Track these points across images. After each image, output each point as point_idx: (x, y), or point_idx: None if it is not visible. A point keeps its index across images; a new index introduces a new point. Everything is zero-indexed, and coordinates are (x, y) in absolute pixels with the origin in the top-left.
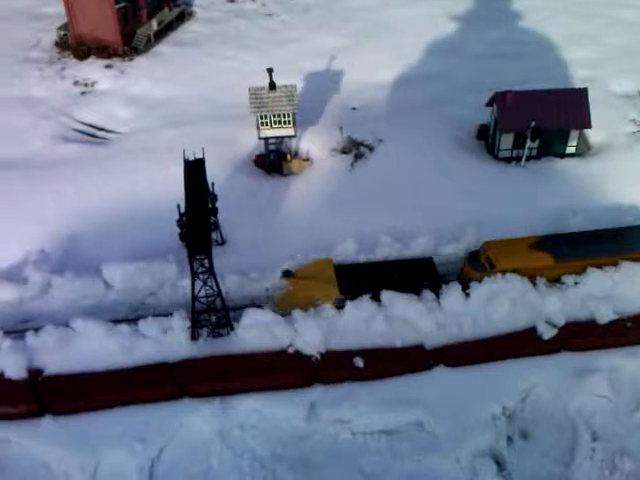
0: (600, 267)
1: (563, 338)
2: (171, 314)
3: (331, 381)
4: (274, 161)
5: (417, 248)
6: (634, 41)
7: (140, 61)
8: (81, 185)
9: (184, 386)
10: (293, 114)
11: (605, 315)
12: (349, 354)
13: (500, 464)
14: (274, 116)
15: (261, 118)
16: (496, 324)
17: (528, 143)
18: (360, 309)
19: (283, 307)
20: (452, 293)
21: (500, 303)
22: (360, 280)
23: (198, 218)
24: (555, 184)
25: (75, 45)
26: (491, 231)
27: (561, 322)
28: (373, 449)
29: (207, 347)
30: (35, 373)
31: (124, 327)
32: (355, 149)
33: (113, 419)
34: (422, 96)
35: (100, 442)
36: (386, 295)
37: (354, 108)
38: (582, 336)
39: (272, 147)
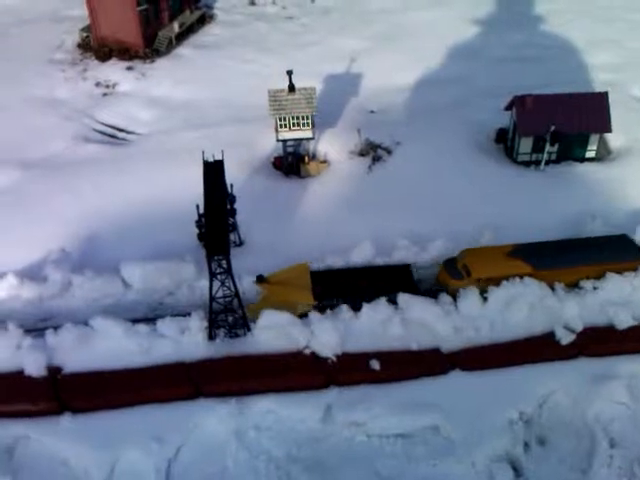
0: (580, 277)
1: (581, 344)
2: (189, 314)
3: (347, 383)
4: (292, 163)
5: (434, 251)
6: None
7: (161, 63)
8: (101, 185)
9: (201, 386)
10: (312, 116)
11: (624, 321)
12: (365, 356)
13: (517, 470)
14: (293, 118)
15: (280, 120)
16: (514, 329)
17: (547, 147)
18: (377, 312)
19: (256, 313)
20: (469, 297)
21: (518, 307)
22: (335, 286)
23: (217, 219)
24: (574, 188)
25: (97, 47)
26: (509, 235)
27: (579, 327)
28: (388, 452)
29: (224, 347)
30: (54, 371)
31: (142, 327)
32: (373, 152)
33: (131, 418)
34: (441, 99)
35: (118, 440)
36: (403, 298)
37: (372, 111)
38: (601, 342)
39: (290, 149)
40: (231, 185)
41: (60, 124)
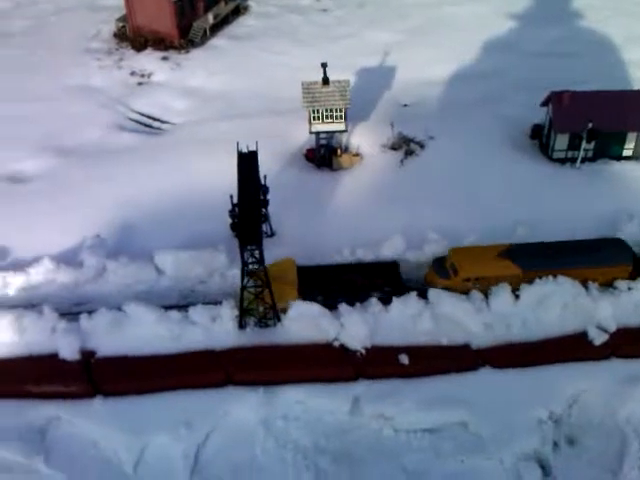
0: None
1: (614, 344)
2: (220, 302)
3: (375, 376)
4: (324, 155)
5: None
6: None
7: (196, 54)
8: (136, 174)
9: (230, 374)
10: (345, 109)
11: None
12: (394, 350)
13: (545, 469)
14: (326, 111)
15: (313, 112)
16: (546, 327)
17: (584, 144)
18: (407, 306)
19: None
20: (501, 294)
21: (551, 306)
22: (321, 283)
23: (250, 209)
24: (610, 187)
25: (133, 37)
26: (543, 232)
27: (612, 328)
28: (416, 447)
29: (254, 337)
30: (88, 354)
31: (174, 313)
32: (405, 145)
33: (161, 403)
34: (475, 94)
35: (148, 425)
36: (434, 293)
37: (406, 105)
38: (634, 343)
39: (323, 142)
40: (264, 176)
41: (96, 112)
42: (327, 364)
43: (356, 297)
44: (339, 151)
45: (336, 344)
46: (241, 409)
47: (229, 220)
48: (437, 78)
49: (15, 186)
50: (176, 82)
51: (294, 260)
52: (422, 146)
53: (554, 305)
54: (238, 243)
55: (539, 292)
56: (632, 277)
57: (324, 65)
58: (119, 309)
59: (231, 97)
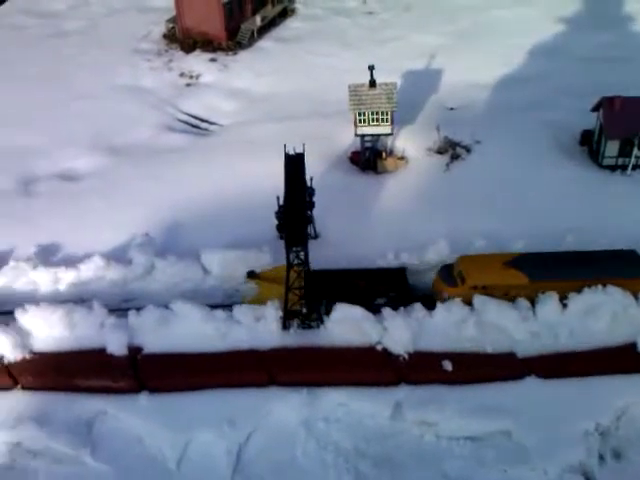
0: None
1: None
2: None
3: (418, 382)
4: (369, 159)
5: None
6: None
7: (243, 56)
8: (184, 174)
9: (273, 374)
10: (392, 112)
11: None
12: (437, 356)
13: None
14: (372, 114)
15: (359, 115)
16: (594, 337)
17: (635, 151)
18: (451, 312)
19: None
20: (549, 303)
21: (600, 316)
22: (327, 287)
23: (296, 211)
24: None
25: (182, 38)
26: (591, 240)
27: None
28: (458, 454)
29: (297, 338)
30: (135, 350)
31: (219, 312)
32: (451, 149)
33: (205, 401)
34: (523, 98)
35: (192, 422)
36: (479, 300)
37: (452, 108)
38: None
39: (368, 144)
40: (311, 178)
41: (145, 113)
42: (369, 367)
43: (360, 302)
44: (384, 154)
45: (379, 348)
46: (283, 409)
47: (275, 221)
48: (484, 82)
49: (67, 184)
50: (223, 84)
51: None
52: (468, 150)
53: (603, 315)
54: (284, 244)
55: (588, 301)
56: None
57: (371, 68)
58: (166, 307)
59: (277, 99)
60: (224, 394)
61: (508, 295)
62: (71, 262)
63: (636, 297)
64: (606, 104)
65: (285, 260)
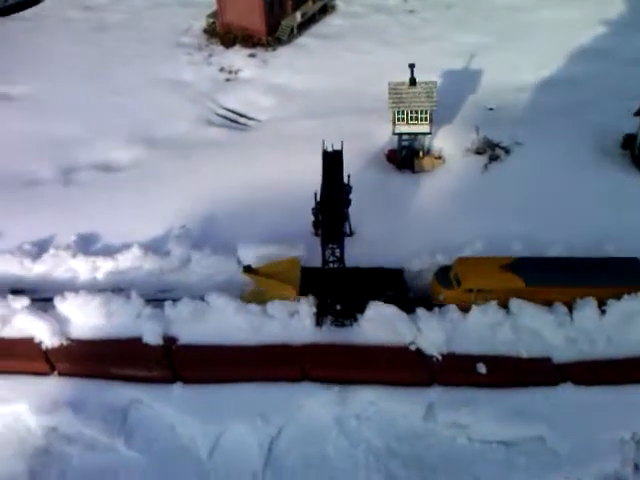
0: (576, 298)
1: None
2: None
3: (451, 384)
4: (406, 157)
5: None
6: None
7: (282, 52)
8: (221, 168)
9: (306, 370)
10: (431, 111)
11: None
12: (472, 359)
13: None
14: (411, 112)
15: (398, 113)
16: (633, 345)
17: None
18: (486, 314)
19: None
20: (586, 309)
21: (638, 323)
22: (323, 285)
23: (333, 208)
24: None
25: (222, 33)
26: (631, 248)
27: None
28: (490, 458)
29: (330, 335)
30: (170, 341)
31: (254, 306)
32: (490, 150)
33: (238, 393)
34: (564, 100)
35: (224, 414)
36: (516, 303)
37: (491, 108)
38: None
39: (405, 143)
40: (348, 175)
41: (184, 106)
42: (402, 367)
43: (355, 300)
44: (421, 153)
45: (412, 348)
46: (315, 405)
47: (312, 217)
48: (525, 83)
49: (107, 174)
50: (262, 79)
51: (299, 260)
52: (507, 152)
53: None
54: (320, 241)
55: (627, 308)
56: None
57: (412, 66)
58: (201, 299)
59: (315, 95)
60: (257, 387)
61: (504, 299)
62: (109, 252)
63: None
64: None
65: (321, 256)
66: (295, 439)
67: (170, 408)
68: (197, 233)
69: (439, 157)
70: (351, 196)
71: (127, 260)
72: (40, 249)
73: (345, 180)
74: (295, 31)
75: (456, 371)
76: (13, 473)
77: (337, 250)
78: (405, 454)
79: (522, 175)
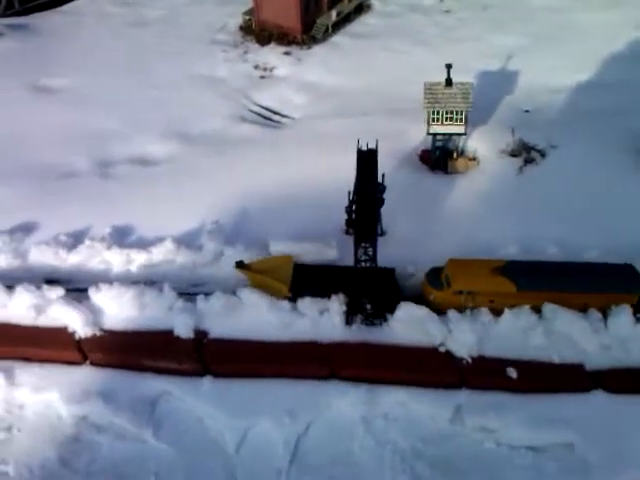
0: (567, 303)
1: None
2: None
3: (480, 387)
4: (439, 158)
5: None
6: None
7: (317, 50)
8: (254, 164)
9: (334, 368)
10: (466, 112)
11: None
12: (502, 362)
13: None
14: (446, 113)
15: (433, 114)
16: None
17: None
18: (519, 319)
19: None
20: (621, 315)
21: None
22: (315, 282)
23: (367, 207)
24: None
25: (258, 30)
26: None
27: None
28: (518, 464)
29: (360, 334)
30: (201, 334)
31: (284, 303)
32: (525, 153)
33: (266, 389)
34: (601, 104)
35: (252, 409)
36: (549, 308)
37: (527, 111)
38: None
39: (439, 144)
40: (382, 175)
41: (219, 102)
42: (431, 369)
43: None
44: (455, 154)
45: (442, 349)
46: (343, 404)
47: (345, 216)
48: (562, 85)
49: (142, 168)
50: (297, 77)
51: (292, 257)
52: (543, 154)
53: None
54: (353, 239)
55: None
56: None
57: (449, 66)
58: (233, 293)
59: (349, 94)
60: (285, 384)
61: (494, 303)
62: (143, 245)
63: None
64: None
65: (353, 255)
66: (322, 437)
67: (199, 401)
68: (230, 228)
69: (473, 158)
70: (384, 196)
71: (160, 253)
72: (75, 240)
73: (379, 179)
74: (330, 30)
75: (486, 374)
76: (44, 459)
77: (370, 249)
78: (431, 456)
79: (558, 178)
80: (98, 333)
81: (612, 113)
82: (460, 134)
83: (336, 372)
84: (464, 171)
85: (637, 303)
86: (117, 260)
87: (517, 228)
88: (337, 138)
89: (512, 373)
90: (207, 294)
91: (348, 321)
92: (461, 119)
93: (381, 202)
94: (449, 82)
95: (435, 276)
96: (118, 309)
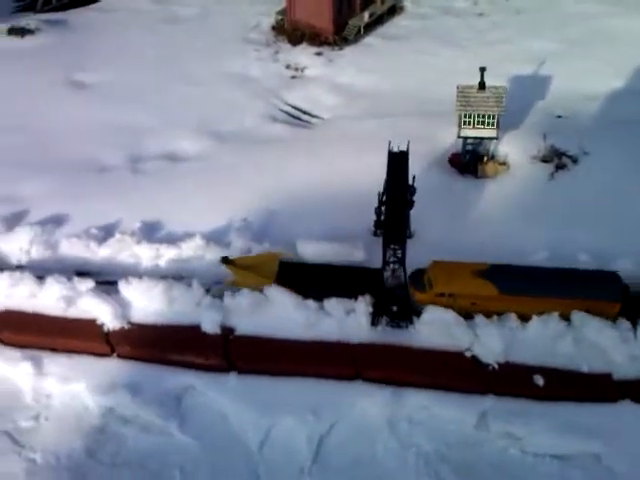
0: (549, 309)
1: None
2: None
3: (506, 394)
4: (469, 162)
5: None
6: None
7: (348, 51)
8: (284, 164)
9: (360, 369)
10: (498, 116)
11: None
12: (529, 370)
13: None
14: (478, 116)
15: (464, 117)
16: None
17: None
18: (547, 326)
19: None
20: None
21: None
22: (301, 280)
23: (396, 209)
24: None
25: (290, 30)
26: None
27: None
28: (542, 472)
29: (386, 335)
30: (227, 331)
31: (311, 302)
32: (557, 159)
33: (291, 387)
34: (634, 112)
35: (277, 406)
36: (578, 316)
37: (559, 116)
38: None
39: (469, 147)
40: (413, 177)
41: (250, 101)
42: (457, 373)
43: (330, 297)
44: (485, 158)
45: (468, 354)
46: (367, 405)
47: (374, 217)
48: (595, 91)
49: (173, 164)
50: (328, 78)
51: (279, 255)
52: (575, 161)
53: None
54: (382, 240)
55: None
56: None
57: (482, 69)
58: (260, 291)
59: (380, 96)
60: (310, 383)
61: (476, 306)
62: (172, 240)
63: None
64: None
65: (381, 256)
66: (345, 437)
67: (224, 397)
68: (258, 226)
69: (503, 163)
70: (414, 198)
71: (189, 249)
72: (106, 233)
73: (410, 181)
74: (362, 31)
75: (512, 381)
76: (70, 449)
77: (399, 251)
78: (455, 461)
79: (590, 185)
80: (126, 326)
81: None
82: (491, 138)
83: (361, 373)
84: (494, 176)
85: (620, 311)
86: (146, 254)
87: (547, 234)
88: (367, 139)
89: (539, 380)
90: (235, 291)
91: (374, 322)
92: (493, 123)
93: (411, 204)
94: (482, 85)
95: (418, 278)
96: (147, 303)
